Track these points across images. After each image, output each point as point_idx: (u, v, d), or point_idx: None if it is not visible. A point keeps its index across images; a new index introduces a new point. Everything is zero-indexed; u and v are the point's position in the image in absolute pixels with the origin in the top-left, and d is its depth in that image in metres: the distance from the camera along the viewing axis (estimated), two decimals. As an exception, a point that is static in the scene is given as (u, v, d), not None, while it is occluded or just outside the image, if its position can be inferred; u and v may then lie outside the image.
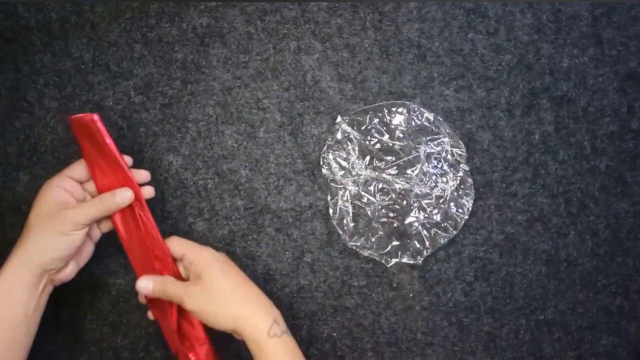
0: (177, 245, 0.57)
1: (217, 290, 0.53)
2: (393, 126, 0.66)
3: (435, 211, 0.65)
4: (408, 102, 0.67)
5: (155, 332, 0.64)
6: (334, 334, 0.64)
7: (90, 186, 0.58)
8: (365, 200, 0.65)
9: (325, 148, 0.66)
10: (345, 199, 0.65)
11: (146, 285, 0.56)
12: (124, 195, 0.56)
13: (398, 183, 0.65)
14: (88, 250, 0.58)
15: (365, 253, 0.65)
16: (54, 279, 0.55)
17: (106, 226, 0.59)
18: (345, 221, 0.65)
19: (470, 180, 0.66)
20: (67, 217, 0.53)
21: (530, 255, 0.66)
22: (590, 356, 0.66)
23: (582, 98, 0.68)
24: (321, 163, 0.66)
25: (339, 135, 0.66)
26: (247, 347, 0.53)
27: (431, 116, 0.66)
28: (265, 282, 0.64)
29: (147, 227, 0.57)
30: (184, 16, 0.67)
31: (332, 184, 0.66)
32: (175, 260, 0.58)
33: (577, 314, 0.66)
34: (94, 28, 0.67)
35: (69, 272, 0.56)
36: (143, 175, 0.60)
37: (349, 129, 0.66)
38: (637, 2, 0.69)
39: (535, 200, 0.67)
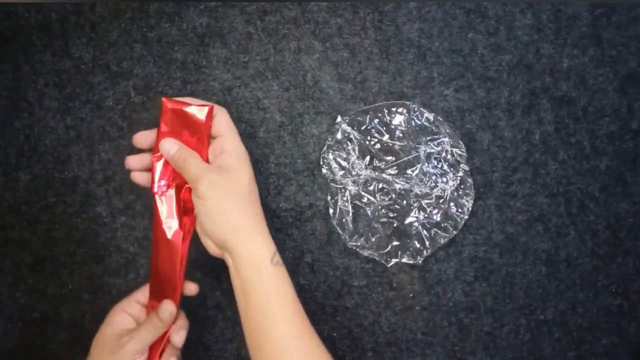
0: (221, 120, 0.53)
1: (240, 192, 0.50)
2: (393, 126, 0.66)
3: (435, 211, 0.65)
4: (408, 102, 0.67)
5: (155, 332, 0.64)
6: (334, 334, 0.64)
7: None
8: (365, 200, 0.65)
9: (325, 148, 0.66)
10: (345, 199, 0.65)
11: (170, 146, 0.52)
12: (169, 313, 0.53)
13: (398, 183, 0.65)
14: None
15: (365, 253, 0.65)
16: None
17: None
18: (345, 221, 0.65)
19: (470, 180, 0.66)
20: (124, 345, 0.51)
21: (530, 255, 0.66)
22: (590, 356, 0.66)
23: (582, 98, 0.68)
24: (321, 163, 0.66)
25: (339, 135, 0.66)
26: (235, 268, 0.50)
27: (431, 116, 0.66)
28: (265, 282, 0.64)
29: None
30: (184, 16, 0.67)
31: (332, 184, 0.66)
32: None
33: (577, 314, 0.66)
34: (94, 28, 0.67)
35: None
36: None
37: (349, 129, 0.66)
38: (637, 2, 0.69)
39: (535, 200, 0.67)
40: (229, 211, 0.49)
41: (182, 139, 0.54)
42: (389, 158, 0.66)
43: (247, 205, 0.50)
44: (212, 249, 0.52)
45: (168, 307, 0.53)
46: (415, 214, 0.65)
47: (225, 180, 0.50)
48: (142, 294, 0.56)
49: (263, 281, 0.50)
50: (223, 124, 0.53)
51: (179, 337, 0.54)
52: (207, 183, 0.50)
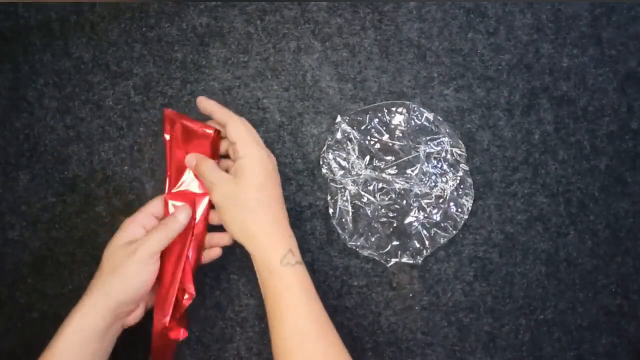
0: (233, 128, 0.54)
1: (247, 203, 0.51)
2: (393, 126, 0.66)
3: (435, 211, 0.65)
4: (408, 102, 0.67)
5: (155, 332, 0.64)
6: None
7: None
8: (365, 200, 0.65)
9: (325, 148, 0.66)
10: (345, 199, 0.65)
11: (191, 161, 0.56)
12: (186, 214, 0.54)
13: (398, 183, 0.65)
14: (140, 312, 0.56)
15: (365, 253, 0.65)
16: (124, 323, 0.54)
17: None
18: (345, 221, 0.65)
19: (470, 180, 0.66)
20: (140, 250, 0.51)
21: (530, 255, 0.66)
22: (590, 356, 0.66)
23: (582, 98, 0.68)
24: (321, 163, 0.66)
25: (339, 136, 0.66)
26: (255, 267, 0.52)
27: (431, 116, 0.66)
28: (265, 282, 0.64)
29: None
30: (184, 16, 0.67)
31: (332, 184, 0.66)
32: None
33: (577, 314, 0.66)
34: (94, 28, 0.67)
35: (139, 314, 0.55)
36: None
37: (349, 129, 0.66)
38: (637, 2, 0.69)
39: (535, 200, 0.67)
40: (241, 221, 0.51)
41: (192, 149, 0.58)
42: (389, 158, 0.66)
43: (260, 211, 0.52)
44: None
45: (185, 209, 0.54)
46: (415, 214, 0.65)
47: (237, 190, 0.52)
48: (156, 206, 0.56)
49: (274, 282, 0.51)
50: (234, 131, 0.54)
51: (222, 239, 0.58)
52: (221, 188, 0.52)
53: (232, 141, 0.54)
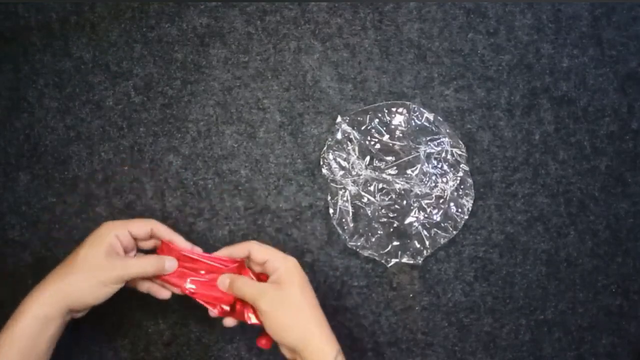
0: (258, 251, 0.57)
1: (295, 302, 0.53)
2: (393, 126, 0.66)
3: (435, 211, 0.65)
4: (408, 102, 0.67)
5: (156, 331, 0.64)
6: (334, 334, 0.64)
7: (144, 244, 0.58)
8: (365, 200, 0.65)
9: (325, 148, 0.66)
10: (345, 199, 0.65)
11: (224, 281, 0.56)
12: (170, 265, 0.56)
13: (398, 183, 0.65)
14: None
15: (365, 253, 0.65)
16: (74, 315, 0.55)
17: (145, 287, 0.58)
18: (345, 221, 0.65)
19: (470, 180, 0.66)
20: (112, 269, 0.52)
21: (530, 255, 0.66)
22: (590, 356, 0.66)
23: (582, 98, 0.68)
24: (321, 163, 0.66)
25: (339, 136, 0.66)
26: None
27: (431, 116, 0.66)
28: (265, 282, 0.65)
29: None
30: (184, 16, 0.67)
31: (332, 184, 0.66)
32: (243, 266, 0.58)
33: (577, 314, 0.66)
34: (94, 28, 0.67)
35: (85, 312, 0.56)
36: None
37: (349, 129, 0.66)
38: (637, 2, 0.69)
39: (535, 201, 0.67)
40: (291, 321, 0.53)
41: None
42: (389, 158, 0.66)
43: (305, 312, 0.53)
44: (286, 353, 0.55)
45: (173, 264, 0.56)
46: (415, 214, 0.65)
47: (282, 295, 0.53)
48: (137, 226, 0.56)
49: None
50: (259, 252, 0.57)
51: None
52: (265, 298, 0.53)
53: (262, 260, 0.56)
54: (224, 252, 0.58)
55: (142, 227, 0.56)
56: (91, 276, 0.52)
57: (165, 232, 0.57)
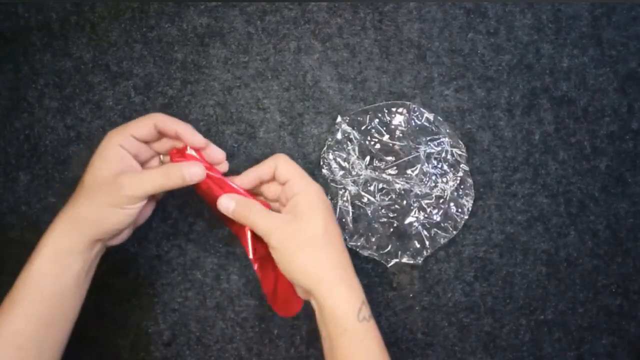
0: (284, 168, 0.49)
1: (314, 240, 0.45)
2: (393, 126, 0.66)
3: (435, 211, 0.65)
4: (408, 102, 0.67)
5: (156, 332, 0.64)
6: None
7: (160, 146, 0.50)
8: (365, 200, 0.65)
9: (325, 148, 0.66)
10: (345, 199, 0.65)
11: (227, 203, 0.48)
12: (193, 172, 0.47)
13: (398, 183, 0.65)
14: (147, 211, 0.51)
15: (365, 253, 0.65)
16: (107, 243, 0.49)
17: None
18: (345, 221, 0.65)
19: (470, 180, 0.66)
20: (122, 188, 0.45)
21: (530, 255, 0.66)
22: (590, 356, 0.66)
23: (582, 98, 0.68)
24: (321, 163, 0.66)
25: (339, 136, 0.66)
26: (321, 318, 0.45)
27: (431, 116, 0.66)
28: (265, 282, 0.65)
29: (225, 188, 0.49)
30: (184, 16, 0.67)
31: (332, 184, 0.66)
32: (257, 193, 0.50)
33: (577, 314, 0.66)
34: (94, 28, 0.67)
35: (124, 236, 0.50)
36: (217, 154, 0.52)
37: (349, 129, 0.66)
38: (637, 2, 0.69)
39: (535, 200, 0.67)
40: (306, 263, 0.45)
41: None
42: (389, 158, 0.66)
43: (325, 252, 0.46)
44: (300, 293, 0.49)
45: (196, 169, 0.47)
46: (415, 214, 0.65)
47: (297, 230, 0.46)
48: (140, 126, 0.48)
49: (347, 341, 0.44)
50: (284, 168, 0.49)
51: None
52: (278, 233, 0.46)
53: (284, 178, 0.48)
54: (252, 175, 0.50)
55: (144, 125, 0.48)
56: (101, 201, 0.45)
57: (169, 123, 0.48)
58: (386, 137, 0.66)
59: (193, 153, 0.49)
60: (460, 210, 0.65)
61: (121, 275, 0.64)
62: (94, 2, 0.67)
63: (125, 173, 0.46)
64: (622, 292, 0.66)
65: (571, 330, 0.66)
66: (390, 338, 0.65)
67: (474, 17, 0.68)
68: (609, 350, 0.66)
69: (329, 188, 0.66)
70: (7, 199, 0.65)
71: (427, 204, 0.65)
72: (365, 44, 0.68)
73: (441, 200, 0.65)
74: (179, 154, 0.50)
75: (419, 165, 0.65)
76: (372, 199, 0.65)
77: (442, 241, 0.65)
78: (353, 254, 0.65)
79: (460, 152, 0.66)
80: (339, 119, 0.66)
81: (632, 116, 0.68)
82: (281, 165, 0.49)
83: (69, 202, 0.47)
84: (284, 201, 0.49)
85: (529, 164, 0.67)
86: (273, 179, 0.51)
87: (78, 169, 0.65)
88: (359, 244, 0.65)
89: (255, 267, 0.50)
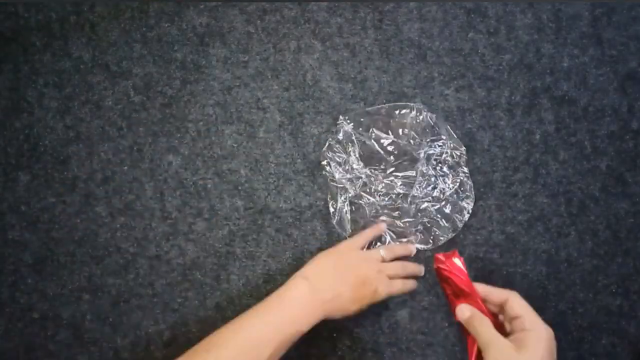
0: (517, 303, 0.54)
1: None
2: (394, 127, 0.66)
3: (435, 212, 0.65)
4: (411, 104, 0.67)
5: (156, 331, 0.64)
6: (334, 334, 0.64)
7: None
8: (365, 200, 0.65)
9: (325, 148, 0.66)
10: (345, 199, 0.65)
11: (463, 312, 0.55)
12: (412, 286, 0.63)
13: (398, 184, 0.65)
14: None
15: (365, 253, 0.65)
16: None
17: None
18: (345, 221, 0.65)
19: (470, 182, 0.66)
20: (380, 290, 0.59)
21: (531, 255, 0.66)
22: (590, 356, 0.66)
23: (582, 98, 0.68)
24: (321, 163, 0.66)
25: (339, 135, 0.66)
26: None
27: (432, 117, 0.66)
28: (265, 282, 0.64)
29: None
30: (183, 16, 0.67)
31: (332, 184, 0.66)
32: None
33: (577, 314, 0.66)
34: (94, 28, 0.67)
35: None
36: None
37: (349, 129, 0.66)
38: (637, 2, 0.69)
39: (536, 200, 0.67)
40: None
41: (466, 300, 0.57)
42: (389, 158, 0.66)
43: None
44: None
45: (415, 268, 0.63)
46: (414, 214, 0.65)
47: (515, 355, 0.50)
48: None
49: None
50: (517, 305, 0.54)
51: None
52: (496, 350, 0.51)
53: (516, 314, 0.53)
54: (482, 289, 0.57)
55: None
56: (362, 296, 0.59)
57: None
58: (387, 138, 0.66)
59: (460, 265, 0.57)
60: (459, 211, 0.65)
61: (121, 275, 0.64)
62: (93, 2, 0.67)
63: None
64: (622, 292, 0.66)
65: (571, 330, 0.66)
66: (390, 338, 0.65)
67: (475, 16, 0.68)
68: (609, 350, 0.66)
69: (329, 188, 0.66)
70: (7, 199, 0.65)
71: (426, 205, 0.65)
72: (365, 44, 0.68)
73: (442, 202, 0.65)
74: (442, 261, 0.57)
75: (419, 166, 0.65)
76: (371, 199, 0.65)
77: (442, 241, 0.65)
78: (353, 254, 0.65)
79: (460, 154, 0.66)
80: (340, 119, 0.66)
81: (632, 116, 0.68)
82: (514, 302, 0.54)
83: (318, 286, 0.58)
84: (512, 334, 0.54)
85: (530, 164, 0.67)
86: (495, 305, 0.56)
87: (78, 169, 0.65)
88: (359, 244, 0.65)
89: None
